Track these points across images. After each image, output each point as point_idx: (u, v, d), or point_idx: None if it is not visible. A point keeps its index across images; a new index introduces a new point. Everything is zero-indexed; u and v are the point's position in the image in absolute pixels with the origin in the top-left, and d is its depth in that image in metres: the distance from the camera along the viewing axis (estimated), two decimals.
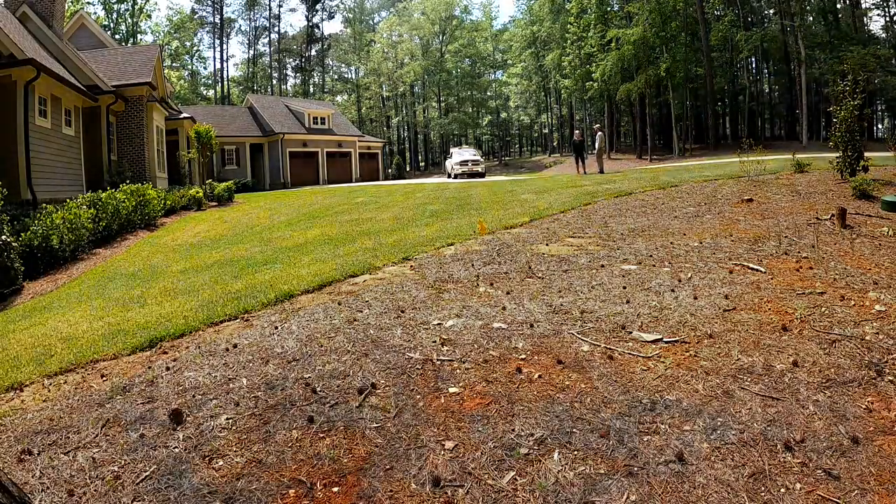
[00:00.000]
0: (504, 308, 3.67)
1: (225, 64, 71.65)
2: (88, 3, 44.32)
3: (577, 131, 22.58)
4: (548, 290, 4.03)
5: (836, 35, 33.32)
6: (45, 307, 5.94)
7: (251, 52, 63.28)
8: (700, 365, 2.74)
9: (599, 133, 19.83)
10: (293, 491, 1.99)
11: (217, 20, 59.60)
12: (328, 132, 34.45)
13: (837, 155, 8.44)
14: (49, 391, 3.04)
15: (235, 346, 3.35)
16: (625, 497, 1.86)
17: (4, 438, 2.51)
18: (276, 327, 3.62)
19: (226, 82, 61.23)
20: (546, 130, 57.11)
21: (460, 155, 26.50)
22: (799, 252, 4.71)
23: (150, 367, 3.19)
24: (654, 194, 8.55)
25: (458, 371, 2.82)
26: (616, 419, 2.31)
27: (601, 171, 18.43)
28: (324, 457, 2.18)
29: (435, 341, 3.19)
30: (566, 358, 2.88)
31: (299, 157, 32.61)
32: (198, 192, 16.12)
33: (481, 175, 24.92)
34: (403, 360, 2.97)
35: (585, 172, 19.44)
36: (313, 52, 66.20)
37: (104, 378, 3.13)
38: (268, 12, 63.59)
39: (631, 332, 3.16)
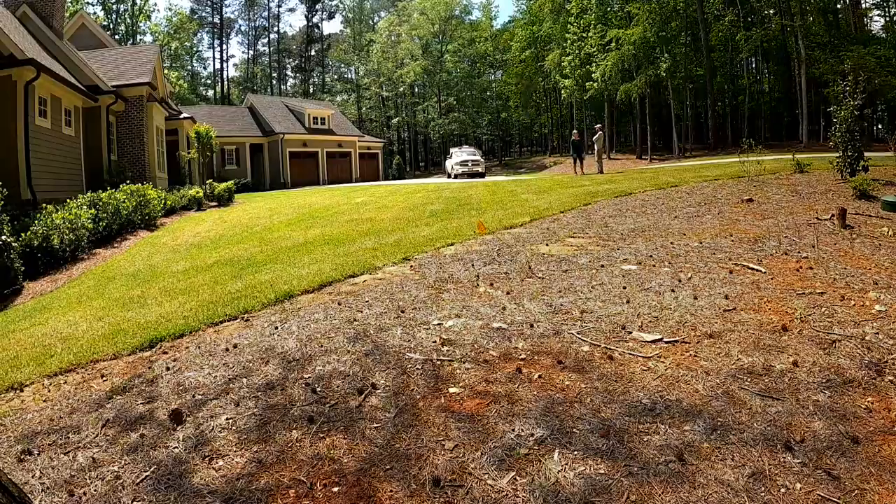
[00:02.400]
0: (504, 308, 3.67)
1: (225, 64, 71.60)
2: (88, 3, 44.34)
3: (575, 131, 22.10)
4: (548, 290, 4.03)
5: (837, 35, 33.31)
6: (45, 307, 5.94)
7: (251, 52, 63.37)
8: (700, 365, 2.74)
9: (599, 133, 19.38)
10: (293, 491, 1.99)
11: (217, 20, 59.63)
12: (328, 132, 34.45)
13: (837, 155, 8.44)
14: (49, 391, 3.04)
15: (235, 346, 3.35)
16: (625, 497, 1.86)
17: (4, 438, 2.51)
18: (276, 327, 3.62)
19: (226, 82, 61.25)
20: (546, 130, 57.03)
21: (460, 155, 26.48)
22: (799, 252, 4.71)
23: (150, 367, 3.19)
24: (654, 194, 8.55)
25: (458, 371, 2.82)
26: (616, 419, 2.31)
27: (600, 172, 18.24)
28: (324, 457, 2.18)
29: (435, 341, 3.18)
30: (566, 358, 2.88)
31: (299, 157, 32.60)
32: (198, 193, 16.12)
33: (481, 175, 24.91)
34: (403, 360, 2.97)
35: (584, 173, 19.20)
36: (313, 52, 66.20)
37: (104, 378, 3.13)
38: (267, 12, 63.65)
39: (631, 332, 3.16)
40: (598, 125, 21.53)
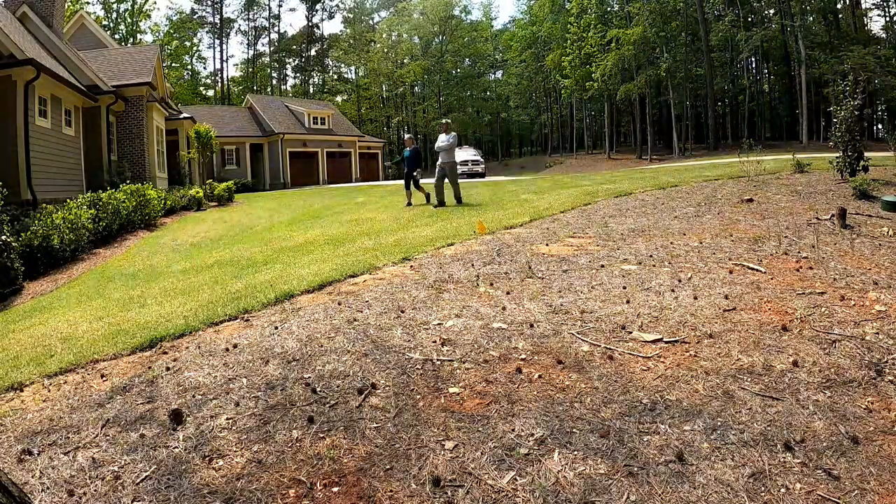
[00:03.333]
0: (504, 308, 3.67)
1: (225, 64, 71.80)
2: (88, 2, 44.33)
3: (407, 136, 12.89)
4: (548, 290, 4.03)
5: (836, 35, 33.36)
6: (45, 307, 5.95)
7: (251, 52, 63.31)
8: (700, 365, 2.74)
9: (445, 136, 10.18)
10: (293, 491, 1.99)
11: (217, 20, 59.61)
12: (328, 132, 34.46)
13: (837, 155, 8.44)
14: (49, 391, 3.04)
15: (235, 346, 3.35)
16: (625, 497, 1.86)
17: (4, 438, 2.51)
18: (277, 327, 3.62)
19: (225, 82, 61.24)
20: (546, 130, 57.04)
21: (460, 155, 26.37)
22: (799, 252, 4.71)
23: (150, 367, 3.19)
24: (654, 194, 8.55)
25: (458, 371, 2.82)
26: (616, 419, 2.31)
27: (457, 199, 10.16)
28: (324, 457, 2.18)
29: (435, 341, 3.18)
30: (566, 358, 2.88)
31: (299, 157, 32.61)
32: (198, 193, 16.14)
33: (481, 175, 24.92)
34: (403, 360, 2.97)
35: (410, 203, 10.91)
36: (313, 52, 66.18)
37: (104, 378, 3.13)
38: (267, 12, 63.62)
39: (631, 332, 3.16)
40: (446, 120, 10.94)
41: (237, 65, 66.74)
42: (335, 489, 1.99)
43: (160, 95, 19.30)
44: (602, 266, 4.57)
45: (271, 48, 64.03)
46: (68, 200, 10.15)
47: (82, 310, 5.26)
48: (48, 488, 2.10)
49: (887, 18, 35.56)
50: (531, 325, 3.33)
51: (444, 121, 10.89)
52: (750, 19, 37.86)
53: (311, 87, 65.52)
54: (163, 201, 13.59)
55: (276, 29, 64.53)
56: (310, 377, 2.84)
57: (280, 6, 66.22)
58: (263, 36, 64.06)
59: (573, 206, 7.91)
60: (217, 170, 28.66)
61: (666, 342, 3.01)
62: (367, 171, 37.46)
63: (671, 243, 5.25)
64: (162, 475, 2.13)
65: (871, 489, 1.86)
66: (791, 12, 32.29)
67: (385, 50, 57.56)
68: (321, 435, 2.33)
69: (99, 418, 2.61)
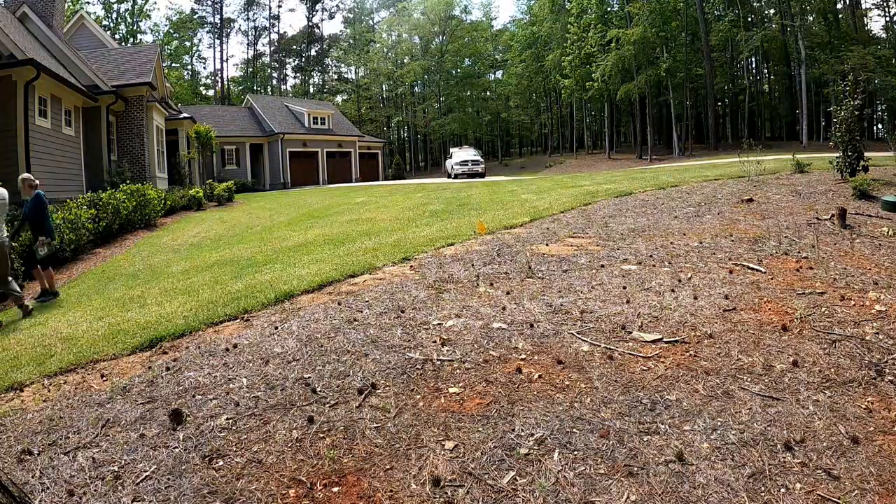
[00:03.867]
0: (504, 308, 3.67)
1: (224, 64, 71.85)
2: (88, 2, 44.35)
3: (23, 176, 6.99)
4: (548, 290, 4.03)
5: (836, 35, 33.33)
6: (45, 307, 5.94)
7: (251, 52, 63.34)
8: (700, 365, 2.74)
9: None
10: (293, 491, 1.99)
11: (217, 20, 59.64)
12: (328, 132, 34.45)
13: (837, 155, 8.44)
14: (49, 391, 3.04)
15: (235, 346, 3.35)
16: (625, 497, 1.86)
17: (4, 438, 2.51)
18: (276, 327, 3.62)
19: (225, 82, 61.24)
20: (546, 130, 57.02)
21: (460, 155, 26.50)
22: (799, 252, 4.71)
23: (150, 367, 3.19)
24: (655, 194, 8.55)
25: (458, 371, 2.82)
26: (616, 419, 2.31)
27: (23, 310, 5.61)
28: (324, 457, 2.18)
29: (435, 341, 3.18)
30: (566, 358, 2.88)
31: (299, 157, 32.60)
32: (198, 193, 16.15)
33: (481, 175, 24.92)
34: (403, 360, 2.97)
35: (24, 311, 5.61)
36: (313, 53, 66.21)
37: (104, 378, 3.13)
38: (267, 12, 63.64)
39: (631, 332, 3.16)
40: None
41: (237, 65, 66.94)
42: (335, 489, 1.99)
43: (160, 95, 19.30)
44: (602, 266, 4.57)
45: (271, 48, 64.07)
46: (68, 200, 10.15)
47: (82, 310, 5.26)
48: (48, 488, 2.10)
49: (887, 18, 35.54)
50: (531, 325, 3.33)
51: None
52: (750, 19, 37.82)
53: (311, 87, 65.54)
54: (163, 201, 13.59)
55: (276, 29, 64.61)
56: (310, 377, 2.84)
57: (280, 6, 66.33)
58: (263, 36, 64.12)
59: (573, 206, 7.91)
60: (217, 170, 28.65)
61: (666, 342, 3.01)
62: (368, 171, 37.45)
63: (671, 243, 5.25)
64: (162, 475, 2.13)
65: (871, 489, 1.86)
66: (791, 12, 32.27)
67: (385, 50, 57.55)
68: (321, 435, 2.33)
69: (99, 418, 2.61)
